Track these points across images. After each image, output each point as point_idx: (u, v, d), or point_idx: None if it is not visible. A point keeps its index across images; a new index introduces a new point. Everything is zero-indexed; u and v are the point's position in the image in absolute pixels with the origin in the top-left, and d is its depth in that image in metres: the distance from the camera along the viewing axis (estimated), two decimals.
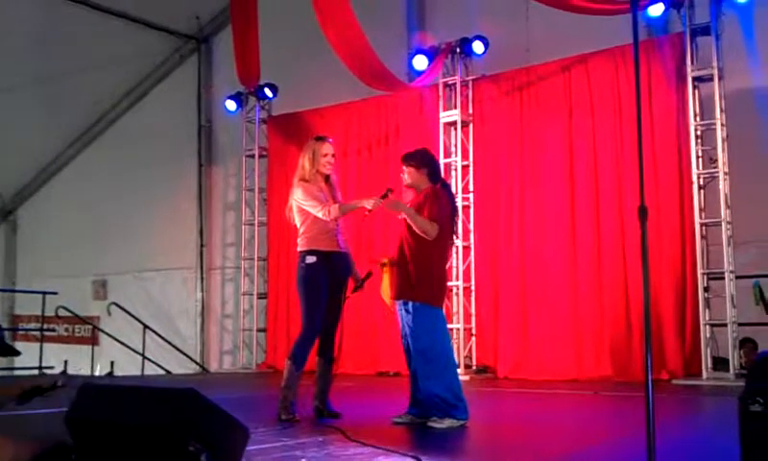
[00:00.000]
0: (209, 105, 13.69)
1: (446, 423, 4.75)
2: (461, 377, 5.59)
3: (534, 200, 9.36)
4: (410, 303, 4.91)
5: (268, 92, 11.75)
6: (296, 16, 10.84)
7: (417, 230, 4.87)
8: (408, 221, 4.91)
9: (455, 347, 9.09)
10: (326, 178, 5.51)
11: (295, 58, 11.87)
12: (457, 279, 9.52)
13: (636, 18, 3.69)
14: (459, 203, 9.63)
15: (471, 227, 9.76)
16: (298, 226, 5.48)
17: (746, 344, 8.25)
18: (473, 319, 9.66)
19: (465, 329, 9.54)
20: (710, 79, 8.18)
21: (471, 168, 9.86)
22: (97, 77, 13.59)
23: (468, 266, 9.71)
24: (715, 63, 8.11)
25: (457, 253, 9.48)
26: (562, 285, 9.00)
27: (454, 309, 9.48)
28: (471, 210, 9.78)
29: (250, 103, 12.03)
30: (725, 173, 8.06)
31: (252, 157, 12.02)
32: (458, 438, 4.59)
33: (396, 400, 5.40)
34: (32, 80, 13.33)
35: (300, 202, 5.40)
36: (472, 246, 9.74)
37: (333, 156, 5.53)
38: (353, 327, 9.83)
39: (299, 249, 5.44)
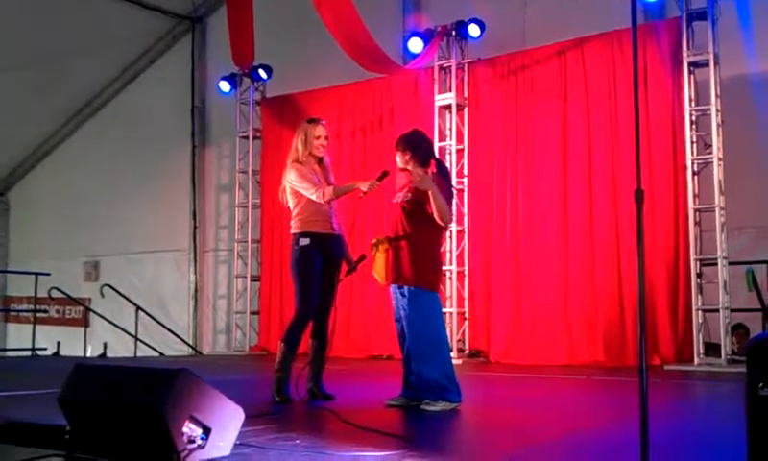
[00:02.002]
0: (203, 86, 13.62)
1: (440, 406, 4.75)
2: (454, 361, 5.59)
3: (528, 184, 9.34)
4: (405, 288, 4.89)
5: (262, 74, 11.69)
6: None
7: (435, 213, 4.81)
8: (431, 200, 4.81)
9: (448, 331, 9.10)
10: (320, 160, 5.49)
11: (289, 39, 11.81)
12: (450, 263, 9.51)
13: (634, 2, 3.67)
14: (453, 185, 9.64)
15: (465, 210, 9.76)
16: (291, 208, 5.46)
17: (738, 330, 8.29)
18: (466, 303, 9.67)
19: (458, 313, 9.55)
20: (706, 64, 8.16)
21: (466, 152, 9.84)
22: (90, 57, 13.51)
23: (462, 250, 9.71)
24: (711, 49, 8.09)
25: (451, 237, 9.47)
26: (555, 270, 9.01)
27: (447, 293, 9.48)
28: (465, 194, 9.77)
29: (244, 84, 11.97)
30: (719, 159, 8.05)
31: (246, 138, 11.98)
32: (451, 421, 4.60)
33: (390, 384, 5.41)
34: (24, 60, 13.21)
35: (293, 184, 5.38)
36: (466, 230, 9.74)
37: (326, 138, 5.50)
38: (346, 311, 9.88)
39: (292, 231, 5.42)
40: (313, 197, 5.29)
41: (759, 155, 8.44)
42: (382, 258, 4.94)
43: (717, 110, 8.09)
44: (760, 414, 2.30)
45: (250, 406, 3.71)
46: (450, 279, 9.54)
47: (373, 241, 5.01)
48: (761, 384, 2.29)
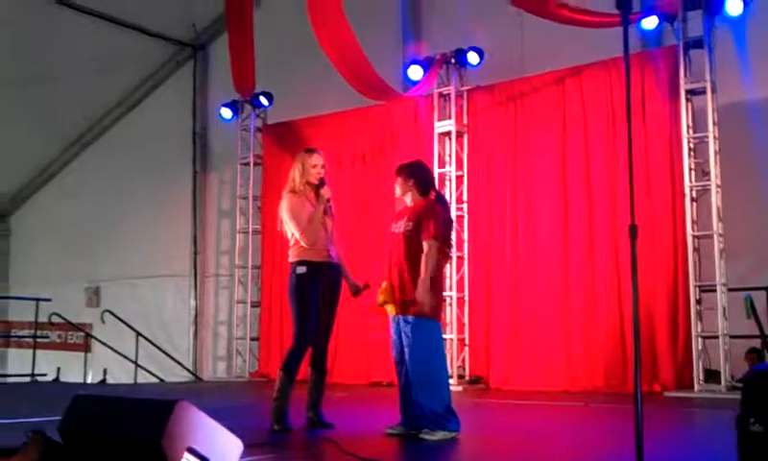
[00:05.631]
0: (205, 112, 13.71)
1: (439, 435, 4.75)
2: (454, 388, 5.60)
3: (527, 210, 9.38)
4: (409, 316, 4.91)
5: (263, 100, 11.77)
6: (291, 25, 10.87)
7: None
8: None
9: (448, 357, 9.09)
10: (317, 189, 5.49)
11: (290, 66, 11.91)
12: (450, 289, 9.52)
13: (626, 32, 3.72)
14: (453, 213, 9.66)
15: (465, 237, 9.78)
16: (288, 237, 5.49)
17: (750, 354, 8.21)
18: (467, 329, 9.66)
19: (458, 340, 9.55)
20: (703, 92, 8.21)
21: (466, 178, 9.88)
22: (93, 82, 13.59)
23: (462, 276, 9.72)
24: (708, 76, 8.15)
25: (451, 263, 9.48)
26: (554, 296, 9.02)
27: (447, 319, 9.48)
28: (465, 220, 9.80)
29: (245, 111, 12.05)
30: (717, 186, 8.09)
31: (247, 164, 12.03)
32: (450, 450, 4.60)
33: (389, 411, 5.41)
34: (27, 85, 13.30)
35: (283, 215, 5.42)
36: (466, 256, 9.76)
37: (323, 166, 5.53)
38: (347, 338, 9.87)
39: (290, 260, 5.44)
40: (297, 235, 5.33)
41: (757, 181, 8.47)
42: (393, 310, 4.98)
43: (715, 138, 8.14)
44: (751, 450, 2.30)
45: (248, 435, 3.72)
46: (450, 305, 9.54)
47: (380, 300, 5.02)
48: (752, 419, 2.29)
